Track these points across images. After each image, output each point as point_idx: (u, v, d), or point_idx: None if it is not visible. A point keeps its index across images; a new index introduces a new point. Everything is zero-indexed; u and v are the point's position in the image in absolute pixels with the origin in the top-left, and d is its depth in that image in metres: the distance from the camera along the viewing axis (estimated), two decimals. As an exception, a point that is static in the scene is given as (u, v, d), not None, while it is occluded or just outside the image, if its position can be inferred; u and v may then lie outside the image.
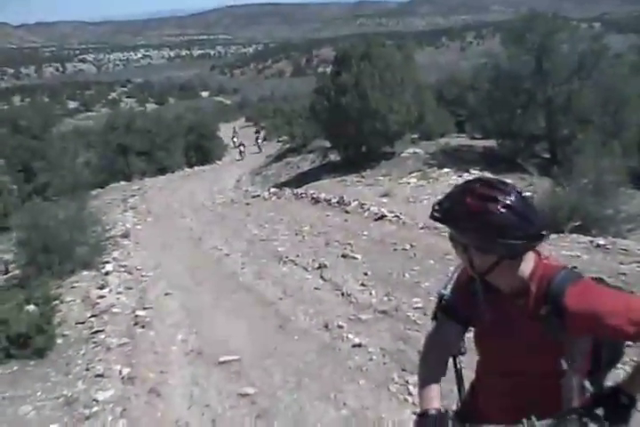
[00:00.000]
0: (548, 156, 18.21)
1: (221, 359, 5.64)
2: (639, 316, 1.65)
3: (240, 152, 34.64)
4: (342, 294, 7.23)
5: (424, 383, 1.95)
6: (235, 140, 40.82)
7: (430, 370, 2.00)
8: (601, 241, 7.87)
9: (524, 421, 1.75)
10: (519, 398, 1.87)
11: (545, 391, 1.84)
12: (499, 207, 1.66)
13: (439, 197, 1.82)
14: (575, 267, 1.88)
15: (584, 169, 10.39)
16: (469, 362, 2.08)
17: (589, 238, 8.15)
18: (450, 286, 2.05)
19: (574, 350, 1.76)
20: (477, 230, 1.69)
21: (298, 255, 9.41)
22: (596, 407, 1.77)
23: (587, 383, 1.90)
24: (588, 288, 1.73)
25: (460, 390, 2.09)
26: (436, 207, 1.77)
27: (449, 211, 1.74)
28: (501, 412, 1.91)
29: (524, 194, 1.74)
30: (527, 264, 1.78)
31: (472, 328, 2.02)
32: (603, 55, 17.42)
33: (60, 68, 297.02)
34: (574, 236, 8.39)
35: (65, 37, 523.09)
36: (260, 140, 38.21)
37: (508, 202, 1.67)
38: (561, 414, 1.79)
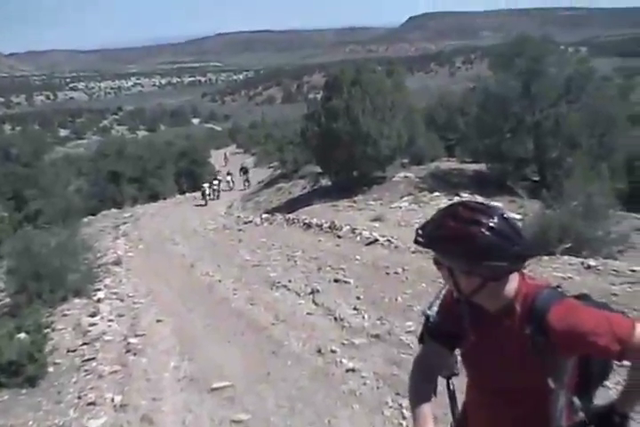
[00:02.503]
0: (537, 178, 18.32)
1: (214, 386, 5.60)
2: (621, 336, 1.67)
3: (212, 190, 30.11)
4: (335, 319, 7.21)
5: (415, 405, 1.96)
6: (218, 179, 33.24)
7: (420, 392, 2.01)
8: (592, 262, 7.90)
9: None
10: (508, 417, 1.87)
11: (533, 409, 1.83)
12: (482, 230, 1.67)
13: (424, 218, 1.85)
14: (559, 286, 1.90)
15: (573, 191, 10.45)
16: (462, 383, 2.09)
17: (580, 260, 8.18)
18: (435, 307, 2.05)
19: (560, 367, 1.77)
20: (462, 254, 1.69)
21: (290, 280, 9.40)
22: (588, 426, 1.78)
23: (575, 400, 1.90)
24: (572, 307, 1.75)
25: (453, 412, 2.09)
26: (420, 232, 1.78)
27: (432, 235, 1.75)
28: None
29: (507, 215, 1.75)
30: (511, 284, 1.79)
31: (459, 349, 2.02)
32: (590, 78, 17.66)
33: (51, 97, 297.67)
34: (565, 257, 8.41)
35: (56, 66, 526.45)
36: (245, 180, 33.40)
37: (491, 224, 1.68)
38: None
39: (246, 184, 32.70)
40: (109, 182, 29.30)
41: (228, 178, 34.46)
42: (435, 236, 1.75)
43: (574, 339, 1.69)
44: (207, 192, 28.54)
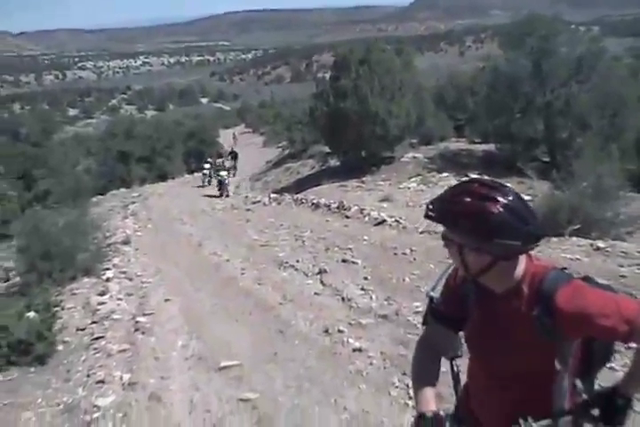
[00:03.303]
0: (547, 159, 18.20)
1: (222, 365, 5.63)
2: (628, 317, 1.67)
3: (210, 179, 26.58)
4: (342, 299, 7.23)
5: (419, 386, 1.97)
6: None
7: (424, 373, 2.02)
8: (601, 244, 7.87)
9: (522, 422, 1.75)
10: (511, 399, 1.87)
11: (537, 392, 1.84)
12: (498, 207, 1.66)
13: (433, 197, 1.82)
14: (565, 268, 1.88)
15: (583, 172, 10.38)
16: (466, 365, 2.08)
17: (589, 241, 8.14)
18: (439, 288, 2.05)
19: (565, 349, 1.76)
20: (474, 230, 1.68)
21: (298, 260, 9.41)
22: (591, 408, 1.78)
23: (578, 382, 1.91)
24: (579, 289, 1.74)
25: (457, 393, 2.10)
26: (431, 206, 1.76)
27: (446, 210, 1.73)
28: (492, 413, 1.92)
29: (520, 196, 1.74)
30: (520, 265, 1.78)
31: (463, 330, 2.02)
32: (601, 58, 17.44)
33: (60, 76, 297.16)
34: (574, 239, 8.38)
35: (64, 45, 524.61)
36: (233, 166, 28.93)
37: (507, 202, 1.67)
38: (556, 415, 1.79)
39: (232, 172, 27.85)
40: (118, 162, 29.34)
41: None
42: (448, 210, 1.73)
43: (581, 320, 1.68)
44: (207, 173, 26.38)
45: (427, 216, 1.78)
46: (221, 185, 21.95)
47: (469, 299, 1.91)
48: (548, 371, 1.78)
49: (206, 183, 26.26)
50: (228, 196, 21.57)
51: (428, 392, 1.94)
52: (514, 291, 1.80)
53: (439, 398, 1.97)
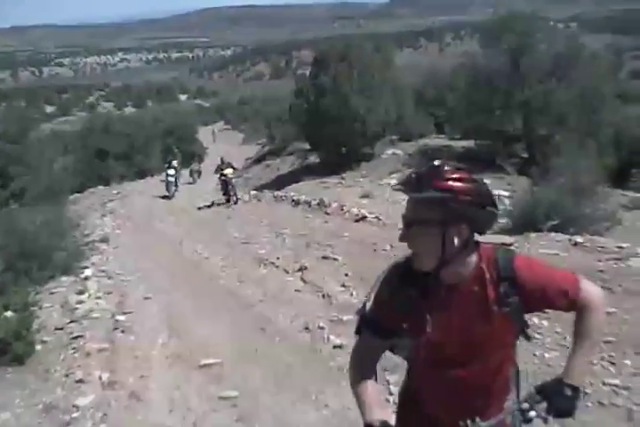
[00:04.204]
0: (525, 155, 18.34)
1: (202, 363, 5.62)
2: (568, 285, 1.81)
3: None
4: (323, 296, 7.25)
5: (361, 395, 1.90)
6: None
7: (364, 382, 1.94)
8: (579, 239, 7.95)
9: (469, 422, 1.79)
10: (466, 397, 1.89)
11: (493, 385, 1.91)
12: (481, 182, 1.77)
13: (414, 171, 1.80)
14: (505, 243, 1.95)
15: (561, 168, 10.49)
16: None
17: (567, 237, 8.23)
18: (372, 299, 2.00)
19: (524, 322, 1.88)
20: (473, 200, 1.71)
21: (278, 258, 9.41)
22: (539, 401, 1.78)
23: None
24: (529, 259, 1.89)
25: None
26: (419, 181, 1.75)
27: (443, 185, 1.71)
28: (455, 412, 1.89)
29: None
30: (477, 249, 1.84)
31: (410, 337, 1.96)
32: (579, 55, 17.59)
33: (37, 73, 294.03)
34: (553, 234, 8.46)
35: (40, 41, 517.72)
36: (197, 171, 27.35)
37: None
38: (504, 411, 1.84)
39: (195, 176, 26.66)
40: (96, 159, 29.05)
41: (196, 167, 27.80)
42: (446, 184, 1.71)
43: (538, 289, 1.80)
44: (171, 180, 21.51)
45: (413, 191, 1.76)
46: (227, 187, 17.45)
47: (412, 301, 1.87)
48: (509, 360, 1.91)
49: (173, 193, 21.38)
50: (236, 202, 16.98)
51: (372, 399, 1.88)
52: (475, 276, 1.82)
53: (383, 406, 1.91)
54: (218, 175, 18.51)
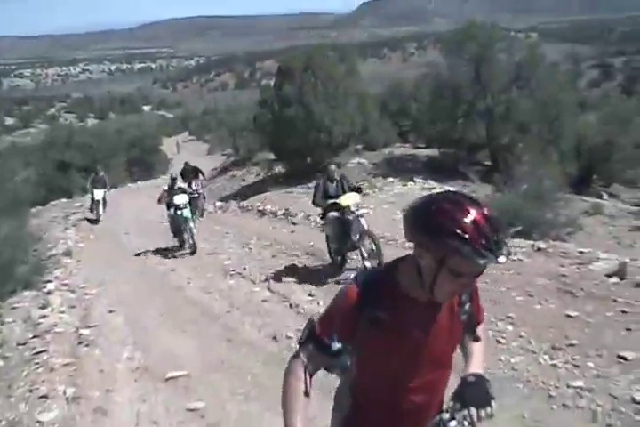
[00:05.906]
0: (489, 163, 18.62)
1: (169, 375, 5.56)
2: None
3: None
4: (290, 306, 7.25)
5: (292, 412, 1.91)
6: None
7: (298, 400, 1.93)
8: (542, 245, 8.10)
9: None
10: (416, 421, 1.92)
11: (440, 394, 1.97)
12: None
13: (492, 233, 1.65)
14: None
15: (524, 175, 10.68)
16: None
17: (531, 242, 8.37)
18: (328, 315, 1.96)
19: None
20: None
21: (245, 268, 9.39)
22: (458, 408, 1.81)
23: None
24: None
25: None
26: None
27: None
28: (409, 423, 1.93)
29: None
30: None
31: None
32: (539, 64, 17.96)
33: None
34: (516, 240, 8.59)
35: (1, 52, 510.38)
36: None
37: None
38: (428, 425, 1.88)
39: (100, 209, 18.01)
40: (58, 172, 28.64)
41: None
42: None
43: (478, 296, 1.96)
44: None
45: (498, 256, 1.61)
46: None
47: (379, 322, 1.78)
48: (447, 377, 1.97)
49: (100, 214, 17.71)
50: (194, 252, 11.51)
51: (302, 416, 1.88)
52: None
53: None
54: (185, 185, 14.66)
